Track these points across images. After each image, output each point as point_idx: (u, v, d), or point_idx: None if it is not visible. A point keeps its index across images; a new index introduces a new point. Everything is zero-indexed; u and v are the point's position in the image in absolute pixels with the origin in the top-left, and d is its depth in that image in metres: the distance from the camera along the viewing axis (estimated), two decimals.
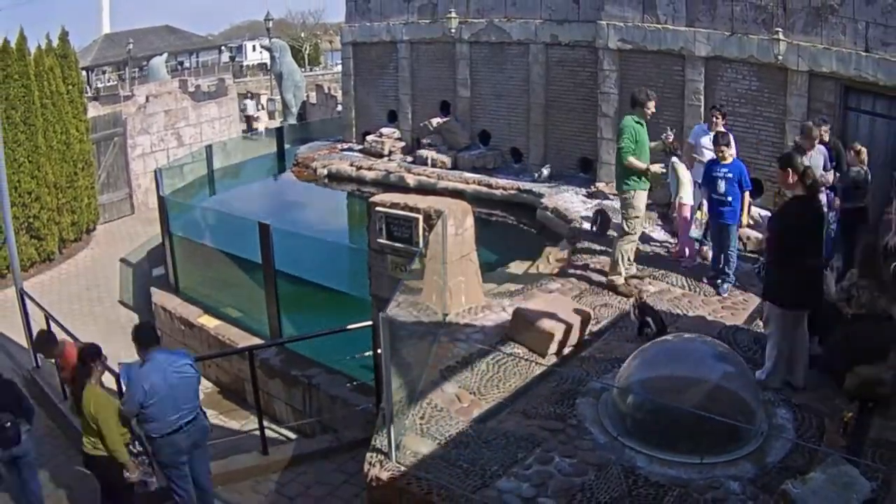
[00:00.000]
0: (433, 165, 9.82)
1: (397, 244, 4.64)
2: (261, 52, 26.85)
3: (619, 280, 5.04)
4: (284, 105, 16.86)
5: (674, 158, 5.61)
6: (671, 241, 6.06)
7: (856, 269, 4.44)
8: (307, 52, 32.49)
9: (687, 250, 5.62)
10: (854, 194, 5.00)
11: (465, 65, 9.93)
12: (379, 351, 3.59)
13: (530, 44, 9.10)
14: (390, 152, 10.68)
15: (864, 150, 5.13)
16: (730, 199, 4.86)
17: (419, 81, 10.64)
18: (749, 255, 5.61)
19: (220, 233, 7.65)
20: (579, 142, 8.94)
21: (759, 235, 5.64)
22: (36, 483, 3.75)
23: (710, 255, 5.34)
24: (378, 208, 4.73)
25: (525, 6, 9.13)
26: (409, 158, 10.34)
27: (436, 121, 10.18)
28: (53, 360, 3.46)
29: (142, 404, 3.22)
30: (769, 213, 6.01)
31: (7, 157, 7.14)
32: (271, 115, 19.07)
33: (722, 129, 5.47)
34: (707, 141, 5.57)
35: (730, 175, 4.86)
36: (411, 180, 9.59)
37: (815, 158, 4.70)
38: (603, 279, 5.25)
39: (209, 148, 11.46)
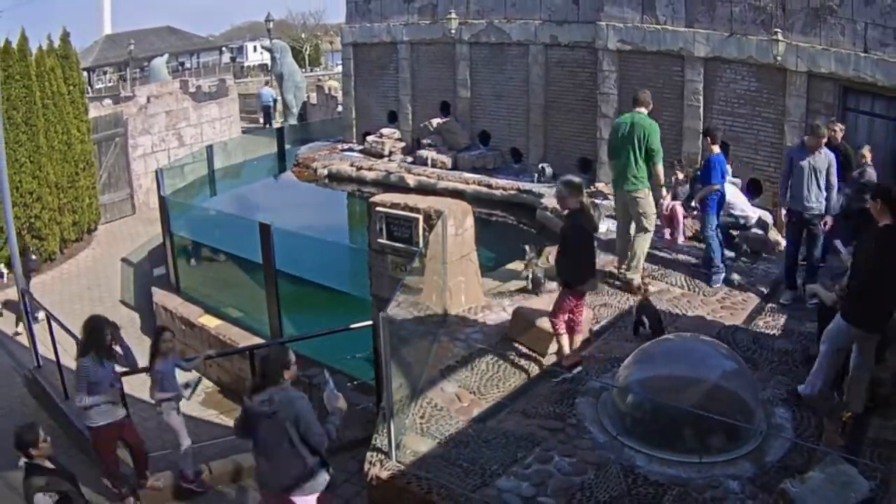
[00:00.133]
0: (433, 166, 9.84)
1: (397, 244, 4.65)
2: (261, 53, 26.87)
3: (637, 279, 5.00)
4: (285, 105, 16.89)
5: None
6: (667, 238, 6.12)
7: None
8: (308, 52, 32.50)
9: (680, 238, 5.89)
10: (862, 197, 5.02)
11: (465, 65, 9.95)
12: (379, 351, 3.60)
13: (530, 44, 9.12)
14: (390, 153, 10.69)
15: (867, 154, 5.19)
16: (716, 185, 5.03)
17: (419, 82, 10.66)
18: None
19: (222, 233, 7.66)
20: (579, 142, 8.95)
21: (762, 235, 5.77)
22: None
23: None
24: (378, 208, 4.74)
25: (525, 7, 9.15)
26: (410, 159, 10.36)
27: (436, 121, 10.19)
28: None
29: None
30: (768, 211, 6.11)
31: (8, 157, 7.17)
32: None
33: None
34: None
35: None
36: (411, 180, 9.60)
37: (820, 160, 4.62)
38: (602, 279, 5.27)
39: (210, 148, 11.49)
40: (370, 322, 4.41)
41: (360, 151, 11.10)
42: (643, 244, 5.05)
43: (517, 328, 4.18)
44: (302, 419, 2.73)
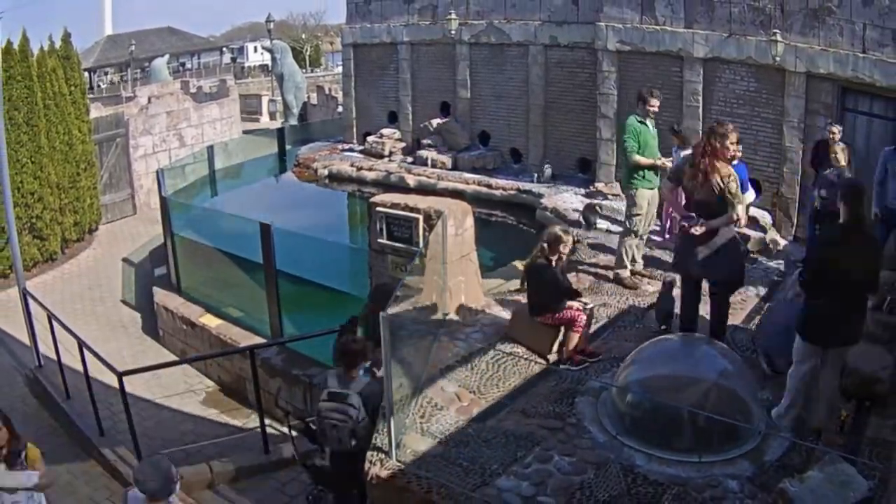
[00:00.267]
0: (433, 166, 9.85)
1: (398, 244, 4.66)
2: (262, 54, 26.91)
3: (625, 273, 5.13)
4: (285, 106, 16.91)
5: (682, 152, 5.71)
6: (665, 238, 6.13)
7: None
8: (308, 53, 32.53)
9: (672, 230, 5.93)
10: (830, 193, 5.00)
11: (464, 66, 9.97)
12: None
13: (530, 45, 9.14)
14: (391, 153, 10.71)
15: (841, 151, 5.06)
16: None
17: (419, 82, 10.68)
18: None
19: (222, 233, 7.68)
20: (578, 142, 8.97)
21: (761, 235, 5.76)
22: None
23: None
24: (378, 208, 4.76)
25: (524, 8, 9.16)
26: (410, 159, 10.37)
27: (436, 121, 10.21)
28: None
29: None
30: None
31: (10, 157, 7.17)
32: (272, 116, 19.13)
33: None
34: None
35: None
36: (411, 181, 9.62)
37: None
38: (602, 279, 5.30)
39: (210, 148, 11.50)
40: None
41: (361, 152, 11.12)
42: (627, 241, 5.13)
43: (517, 328, 4.19)
44: None
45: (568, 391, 3.59)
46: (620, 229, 6.30)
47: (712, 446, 3.02)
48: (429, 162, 9.92)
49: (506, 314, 4.49)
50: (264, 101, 20.24)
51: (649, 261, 5.64)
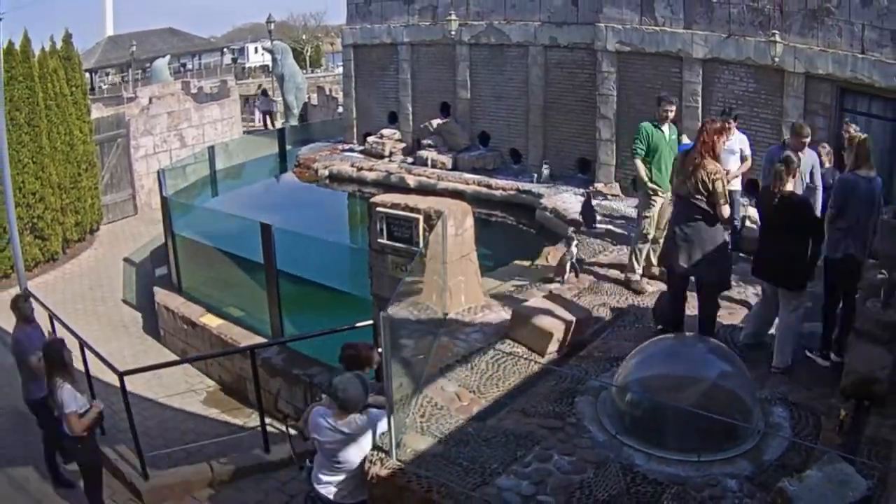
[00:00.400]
0: (433, 166, 9.87)
1: (398, 244, 4.68)
2: (263, 54, 26.91)
3: (635, 277, 5.11)
4: (286, 106, 16.94)
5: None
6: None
7: None
8: (308, 54, 32.56)
9: None
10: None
11: (464, 66, 9.99)
12: (380, 350, 3.63)
13: (529, 46, 9.16)
14: (391, 153, 10.73)
15: (826, 155, 5.08)
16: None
17: (419, 83, 10.70)
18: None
19: (223, 233, 7.70)
20: (578, 143, 8.98)
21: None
22: None
23: None
24: (379, 209, 4.77)
25: (524, 8, 9.18)
26: (410, 159, 10.40)
27: (436, 122, 10.23)
28: None
29: None
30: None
31: (11, 158, 7.20)
32: (273, 117, 19.15)
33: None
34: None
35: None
36: (412, 181, 9.64)
37: (803, 161, 4.54)
38: (601, 278, 5.31)
39: (211, 149, 11.52)
40: (371, 322, 4.44)
41: (361, 152, 11.14)
42: (637, 245, 5.11)
43: (517, 327, 4.20)
44: None
45: (567, 391, 3.60)
46: (619, 229, 6.32)
47: (711, 446, 3.03)
48: (429, 162, 9.94)
49: (506, 314, 4.50)
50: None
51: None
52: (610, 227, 6.73)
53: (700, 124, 3.92)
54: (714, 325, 3.97)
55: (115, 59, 27.58)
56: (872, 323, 3.79)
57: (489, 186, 9.06)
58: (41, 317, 5.47)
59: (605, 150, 8.39)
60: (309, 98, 17.29)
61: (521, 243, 7.75)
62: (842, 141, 4.90)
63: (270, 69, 19.69)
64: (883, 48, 5.77)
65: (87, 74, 17.93)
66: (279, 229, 6.08)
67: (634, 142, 5.01)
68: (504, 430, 3.27)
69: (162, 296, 7.38)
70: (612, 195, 7.83)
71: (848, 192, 3.72)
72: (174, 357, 6.66)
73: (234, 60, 33.60)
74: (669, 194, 4.92)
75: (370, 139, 11.07)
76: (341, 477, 3.02)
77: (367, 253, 5.00)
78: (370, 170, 10.33)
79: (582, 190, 8.10)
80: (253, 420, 5.07)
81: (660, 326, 4.21)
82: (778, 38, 6.54)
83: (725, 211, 3.65)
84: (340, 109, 13.72)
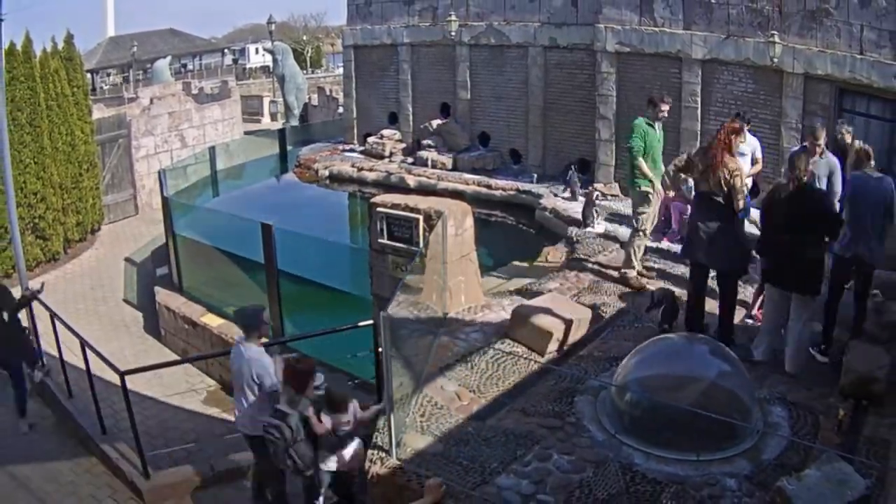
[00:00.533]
0: (433, 166, 9.89)
1: (398, 244, 4.69)
2: (263, 55, 26.96)
3: (632, 273, 5.16)
4: (286, 107, 16.96)
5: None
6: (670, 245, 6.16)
7: None
8: (309, 54, 32.58)
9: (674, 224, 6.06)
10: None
11: (464, 67, 10.00)
12: (380, 350, 3.64)
13: (529, 46, 9.17)
14: (391, 153, 10.75)
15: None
16: None
17: (419, 84, 10.71)
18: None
19: (224, 233, 7.71)
20: (577, 143, 9.00)
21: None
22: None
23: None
24: (379, 209, 4.79)
25: (524, 9, 9.20)
26: (410, 160, 10.41)
27: (436, 122, 10.25)
28: None
29: None
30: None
31: (13, 158, 7.20)
32: (274, 117, 19.18)
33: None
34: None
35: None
36: (412, 181, 9.66)
37: (820, 166, 4.45)
38: (601, 278, 5.32)
39: (212, 149, 11.54)
40: (371, 321, 4.45)
41: (361, 152, 11.16)
42: (635, 241, 5.16)
43: (516, 327, 4.21)
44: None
45: (567, 390, 3.61)
46: (618, 228, 6.33)
47: (710, 445, 3.04)
48: (429, 162, 9.96)
49: (506, 314, 4.52)
50: (265, 102, 20.30)
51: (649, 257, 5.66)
52: (609, 226, 6.74)
53: (722, 125, 4.00)
54: (733, 314, 4.07)
55: (117, 59, 27.63)
56: (871, 323, 3.80)
57: (489, 187, 9.07)
58: (43, 316, 5.50)
59: (604, 150, 8.41)
60: (309, 99, 17.31)
61: (521, 243, 7.77)
62: (838, 142, 4.90)
63: (271, 70, 19.71)
64: (881, 49, 5.78)
65: (89, 75, 17.95)
66: (280, 229, 6.10)
67: (632, 139, 5.03)
68: (504, 430, 3.28)
69: (163, 296, 7.40)
70: (612, 195, 7.85)
71: (857, 190, 3.73)
72: (175, 357, 6.67)
73: (235, 61, 33.64)
74: (661, 190, 5.07)
75: (370, 140, 11.09)
76: (244, 406, 3.38)
77: (367, 253, 5.02)
78: (370, 170, 10.34)
79: (583, 191, 8.11)
80: None
81: (665, 326, 4.22)
82: (777, 39, 6.55)
83: (741, 204, 3.81)
84: (341, 110, 13.73)
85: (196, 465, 4.33)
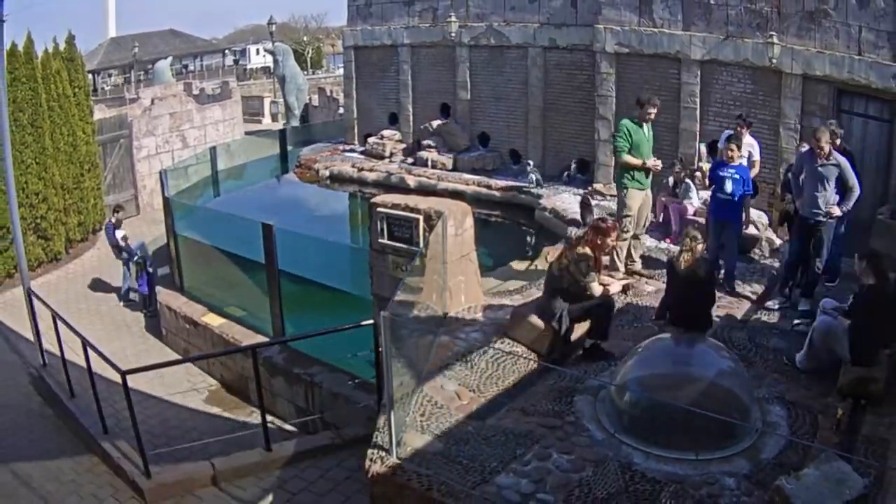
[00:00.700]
0: (433, 167, 9.91)
1: (398, 244, 4.71)
2: (264, 56, 26.95)
3: (618, 275, 5.16)
4: (287, 108, 16.97)
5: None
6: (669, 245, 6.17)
7: None
8: (310, 55, 32.60)
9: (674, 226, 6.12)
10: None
11: (464, 68, 10.02)
12: (380, 349, 3.66)
13: (529, 47, 9.19)
14: (391, 154, 10.77)
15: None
16: (736, 198, 4.97)
17: (420, 84, 10.74)
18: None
19: (225, 233, 7.73)
20: (577, 143, 9.02)
21: (759, 234, 5.83)
22: None
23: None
24: (379, 209, 4.80)
25: (524, 10, 9.22)
26: (410, 160, 10.44)
27: (436, 123, 10.27)
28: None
29: None
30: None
31: (15, 158, 7.23)
32: (274, 118, 19.20)
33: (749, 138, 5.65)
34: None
35: (737, 176, 4.97)
36: (412, 181, 9.68)
37: (829, 170, 4.41)
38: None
39: (213, 150, 11.56)
40: (371, 321, 4.47)
41: (362, 153, 11.18)
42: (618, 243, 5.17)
43: (516, 327, 4.23)
44: None
45: (566, 389, 3.62)
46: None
47: (709, 444, 3.06)
48: (429, 163, 9.98)
49: (505, 314, 4.53)
50: (266, 102, 20.32)
51: (646, 262, 5.68)
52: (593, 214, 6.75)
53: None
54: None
55: (118, 60, 27.65)
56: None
57: (489, 187, 9.10)
58: (45, 316, 5.51)
59: (603, 150, 8.43)
60: (310, 99, 17.33)
61: (520, 243, 7.79)
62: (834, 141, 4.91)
63: (272, 70, 19.73)
64: (880, 49, 5.80)
65: (90, 75, 17.99)
66: (280, 229, 6.10)
67: (617, 139, 5.09)
68: (503, 429, 3.29)
69: (164, 295, 7.42)
70: (611, 195, 7.86)
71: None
72: (176, 356, 6.69)
73: (236, 62, 33.67)
74: (648, 189, 5.14)
75: (371, 140, 11.11)
76: None
77: (367, 253, 5.03)
78: (371, 170, 10.36)
79: (582, 191, 8.13)
80: (254, 418, 5.09)
81: (662, 321, 4.23)
82: (775, 40, 6.57)
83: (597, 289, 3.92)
84: (341, 110, 13.76)
85: (197, 463, 4.35)
